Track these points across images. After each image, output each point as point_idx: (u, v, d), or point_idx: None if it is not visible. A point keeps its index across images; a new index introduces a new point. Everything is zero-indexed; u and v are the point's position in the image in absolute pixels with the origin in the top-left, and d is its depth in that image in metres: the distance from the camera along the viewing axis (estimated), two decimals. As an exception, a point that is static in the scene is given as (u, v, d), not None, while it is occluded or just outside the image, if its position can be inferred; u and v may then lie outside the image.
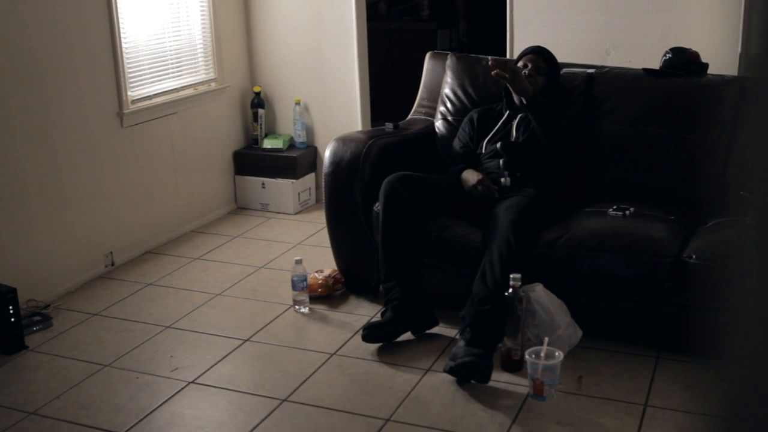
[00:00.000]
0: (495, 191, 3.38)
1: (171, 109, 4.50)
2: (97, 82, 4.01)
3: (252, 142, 5.13)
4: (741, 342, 0.61)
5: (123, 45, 4.14)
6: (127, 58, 4.20)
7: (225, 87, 4.93)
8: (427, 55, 4.27)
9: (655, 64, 3.80)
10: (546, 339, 2.88)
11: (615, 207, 3.35)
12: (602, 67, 3.87)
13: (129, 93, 4.22)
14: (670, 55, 3.76)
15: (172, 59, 4.56)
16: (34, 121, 3.67)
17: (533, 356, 2.83)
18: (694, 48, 3.74)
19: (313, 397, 2.92)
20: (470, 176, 3.45)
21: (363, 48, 4.93)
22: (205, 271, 4.12)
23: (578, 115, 3.66)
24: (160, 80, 4.48)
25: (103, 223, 4.08)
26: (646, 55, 4.04)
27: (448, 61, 4.10)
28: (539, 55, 3.60)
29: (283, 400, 2.90)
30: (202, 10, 4.75)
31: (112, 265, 4.14)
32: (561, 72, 3.80)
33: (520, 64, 3.58)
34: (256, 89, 5.08)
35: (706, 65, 3.70)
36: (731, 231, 0.62)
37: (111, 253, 4.14)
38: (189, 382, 3.05)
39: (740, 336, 0.61)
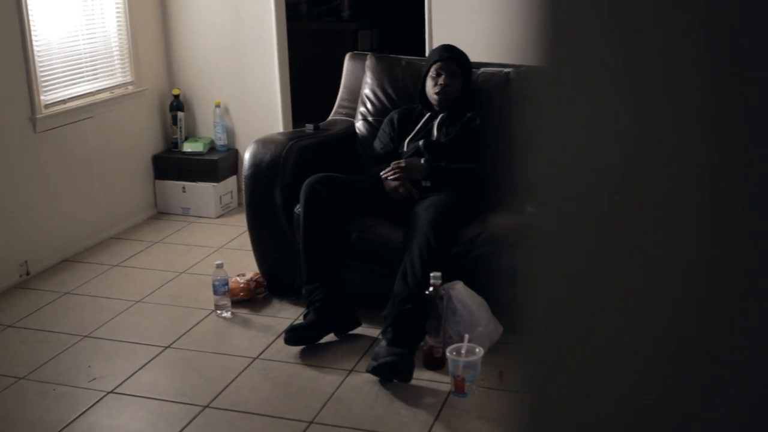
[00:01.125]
0: (416, 194, 3.39)
1: (87, 113, 4.40)
2: (8, 86, 3.90)
3: (172, 146, 5.05)
4: (535, 326, 0.65)
5: (35, 47, 4.02)
6: (39, 61, 4.09)
7: (143, 90, 4.84)
8: (347, 56, 4.27)
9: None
10: (467, 336, 2.91)
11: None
12: (519, 65, 3.91)
13: (42, 97, 4.11)
14: None
15: (86, 62, 4.46)
16: (-60, 127, 3.55)
17: (454, 353, 2.86)
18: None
19: (235, 402, 2.89)
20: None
21: (283, 49, 4.90)
22: (124, 278, 4.04)
23: (497, 115, 3.70)
24: (74, 84, 4.38)
25: (16, 232, 3.97)
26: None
27: (368, 62, 4.11)
28: (449, 60, 3.59)
29: (205, 407, 2.87)
30: (118, 11, 4.65)
31: (27, 274, 4.03)
32: (480, 71, 3.85)
33: (432, 73, 3.59)
34: (175, 92, 5.01)
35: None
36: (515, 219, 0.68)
37: (26, 262, 4.02)
38: (108, 392, 2.99)
39: (535, 321, 0.66)
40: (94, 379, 3.08)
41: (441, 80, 3.54)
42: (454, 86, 3.56)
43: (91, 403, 2.91)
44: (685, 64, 0.54)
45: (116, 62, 4.70)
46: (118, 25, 4.67)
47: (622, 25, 0.56)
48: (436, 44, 4.49)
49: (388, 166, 3.52)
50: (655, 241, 0.57)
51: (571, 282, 0.61)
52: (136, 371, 3.12)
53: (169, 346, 3.31)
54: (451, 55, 3.60)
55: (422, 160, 3.50)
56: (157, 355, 3.25)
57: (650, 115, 0.56)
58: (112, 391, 2.99)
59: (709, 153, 0.54)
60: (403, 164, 3.42)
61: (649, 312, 0.58)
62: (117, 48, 4.69)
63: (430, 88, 3.58)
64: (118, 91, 4.68)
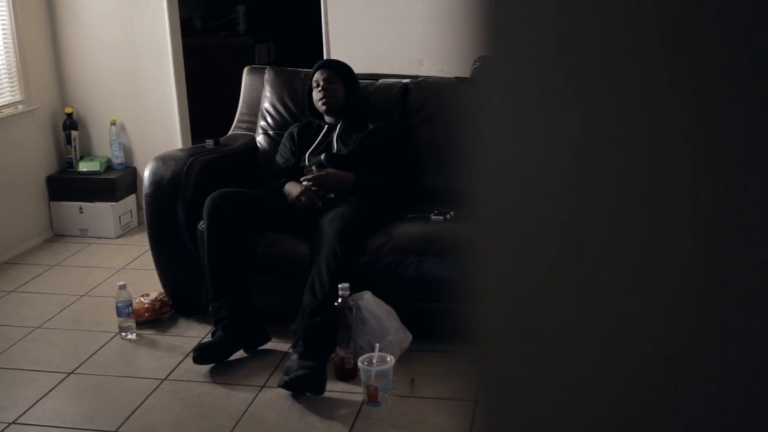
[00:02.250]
0: (317, 201, 3.39)
1: (-26, 134, 4.25)
2: None
3: (66, 166, 4.91)
4: (484, 338, 0.65)
5: None
6: None
7: (33, 109, 4.69)
8: (245, 70, 4.25)
9: (466, 72, 3.95)
10: (377, 345, 2.93)
11: (436, 212, 3.46)
12: (417, 77, 3.99)
13: (-75, 119, 3.94)
14: (479, 63, 3.92)
15: (-28, 82, 4.30)
16: None
17: (365, 363, 2.87)
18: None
19: (145, 425, 2.83)
20: (293, 188, 3.45)
21: (179, 65, 4.84)
22: (21, 304, 3.90)
23: (395, 125, 3.75)
24: (-40, 105, 4.21)
25: None
26: (458, 64, 4.19)
27: (266, 76, 4.10)
28: (326, 68, 3.66)
29: (114, 432, 2.80)
30: (3, 27, 4.50)
31: None
32: (378, 83, 3.89)
33: (313, 83, 3.64)
34: (68, 110, 4.87)
35: (512, 72, 3.89)
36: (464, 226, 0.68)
37: None
38: (9, 423, 2.88)
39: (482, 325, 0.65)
40: (-6, 410, 2.96)
41: (321, 87, 3.60)
42: (335, 89, 3.61)
43: (-8, 436, 2.81)
44: (631, 61, 0.55)
45: (4, 80, 4.55)
46: (5, 42, 4.52)
47: (563, 22, 0.56)
48: (334, 56, 4.53)
49: (291, 179, 3.52)
50: (606, 245, 0.58)
51: (519, 290, 0.62)
52: (39, 400, 3.02)
53: (72, 372, 3.22)
54: (326, 63, 3.72)
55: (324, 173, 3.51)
56: (61, 381, 3.15)
57: (595, 117, 0.56)
58: (13, 422, 2.88)
59: (660, 152, 0.55)
60: (325, 174, 3.40)
61: (601, 320, 0.59)
62: (4, 66, 4.54)
63: (316, 99, 3.65)
64: (6, 111, 4.53)
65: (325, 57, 4.58)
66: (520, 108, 0.60)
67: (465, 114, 0.62)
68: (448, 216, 3.42)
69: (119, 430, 2.81)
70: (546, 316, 0.61)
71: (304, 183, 3.39)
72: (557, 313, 0.60)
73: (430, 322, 3.29)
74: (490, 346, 0.64)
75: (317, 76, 3.64)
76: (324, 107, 3.62)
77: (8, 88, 4.57)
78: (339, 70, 3.66)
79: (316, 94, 3.64)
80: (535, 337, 0.62)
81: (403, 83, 3.91)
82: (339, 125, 3.62)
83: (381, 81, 3.93)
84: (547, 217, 0.59)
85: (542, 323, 0.61)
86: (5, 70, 4.55)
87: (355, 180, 3.43)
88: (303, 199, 3.39)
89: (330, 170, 3.43)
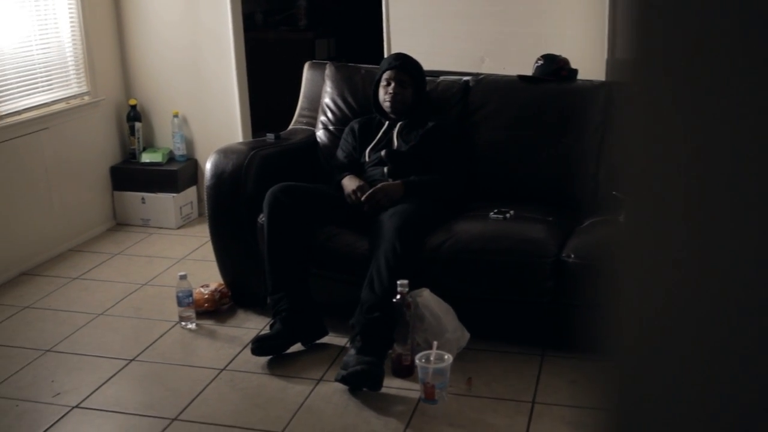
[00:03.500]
0: (366, 205, 3.36)
1: (42, 124, 4.34)
2: (-38, 98, 3.83)
3: (129, 157, 5.00)
4: (621, 338, 0.64)
5: (-12, 58, 3.96)
6: (-7, 72, 4.02)
7: (99, 100, 4.78)
8: (306, 65, 4.27)
9: (528, 70, 3.93)
10: (435, 343, 2.93)
11: (496, 210, 3.43)
12: (478, 74, 3.97)
13: (-4, 108, 4.04)
14: (541, 62, 3.89)
15: (41, 72, 4.40)
16: None
17: (423, 360, 2.87)
18: (564, 55, 3.89)
19: (203, 414, 2.87)
20: (350, 183, 3.46)
21: (241, 59, 4.89)
22: (85, 290, 3.98)
23: (455, 122, 3.74)
24: (28, 95, 4.31)
25: (-28, 246, 3.89)
26: (520, 62, 4.17)
27: (327, 71, 4.11)
28: (400, 68, 3.60)
29: (173, 420, 2.84)
30: (72, 20, 4.59)
31: (-16, 289, 3.95)
32: (438, 80, 3.88)
33: (383, 81, 3.61)
34: (132, 102, 4.96)
35: (575, 71, 3.85)
36: (607, 230, 0.66)
37: (-18, 276, 3.95)
38: (72, 407, 2.94)
39: (621, 331, 0.64)
40: (58, 394, 3.03)
41: (390, 89, 3.57)
42: (405, 94, 3.58)
43: (56, 419, 2.87)
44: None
45: (71, 72, 4.64)
46: (73, 35, 4.61)
47: (708, 26, 0.55)
48: (393, 53, 4.53)
49: (351, 173, 3.52)
50: (749, 251, 0.55)
51: (664, 294, 0.60)
52: (101, 385, 3.08)
53: (133, 359, 3.28)
54: (400, 63, 3.62)
55: (385, 169, 3.51)
56: (122, 368, 3.21)
57: (739, 122, 0.55)
58: (77, 406, 2.95)
59: None
60: (373, 192, 3.36)
61: (748, 328, 0.57)
62: (72, 58, 4.63)
63: (382, 96, 3.61)
64: (73, 102, 4.62)
65: (385, 54, 4.58)
66: (663, 112, 0.58)
67: (610, 118, 0.60)
68: (508, 215, 3.40)
69: (178, 418, 2.85)
70: (685, 325, 0.59)
71: (368, 204, 3.37)
72: (696, 322, 0.58)
73: (489, 321, 3.28)
74: (628, 355, 0.62)
75: (389, 75, 3.59)
76: (390, 108, 3.60)
77: (75, 80, 4.66)
78: (413, 74, 3.61)
79: (384, 93, 3.60)
80: (674, 346, 0.60)
81: (464, 81, 3.89)
82: (400, 122, 3.61)
83: (442, 78, 3.91)
84: (689, 223, 0.57)
85: (681, 332, 0.59)
86: (73, 62, 4.64)
87: (405, 187, 3.41)
88: (353, 197, 3.39)
89: (377, 187, 3.40)
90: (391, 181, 3.48)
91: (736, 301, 0.57)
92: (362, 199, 3.36)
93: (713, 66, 0.55)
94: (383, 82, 3.61)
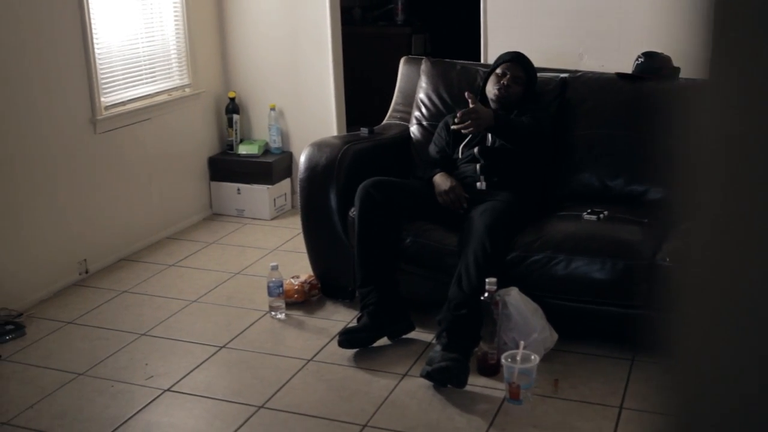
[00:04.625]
0: (462, 204, 3.36)
1: (145, 115, 4.48)
2: (70, 88, 3.98)
3: (227, 148, 5.11)
4: (687, 342, 0.61)
5: (96, 50, 4.11)
6: (101, 64, 4.17)
7: (199, 93, 4.91)
8: (402, 60, 4.27)
9: (628, 68, 3.83)
10: (522, 343, 2.89)
11: (589, 210, 3.37)
12: (576, 71, 3.89)
13: (102, 99, 4.19)
14: (642, 60, 3.79)
15: (145, 65, 4.54)
16: (5, 128, 3.63)
17: (509, 360, 2.84)
18: (666, 52, 3.78)
19: (289, 403, 2.91)
20: (443, 182, 3.44)
21: (338, 53, 4.93)
22: (180, 277, 4.09)
23: (552, 119, 3.68)
24: (133, 86, 4.45)
25: (76, 231, 4.05)
26: (619, 59, 4.07)
27: (423, 66, 4.11)
28: (517, 63, 3.58)
29: (260, 407, 2.89)
30: (176, 16, 4.73)
31: (86, 272, 4.11)
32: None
33: (498, 71, 3.57)
34: (231, 95, 5.06)
35: (678, 69, 3.74)
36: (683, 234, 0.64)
37: (85, 260, 4.10)
38: (164, 390, 3.03)
39: (686, 336, 0.61)
40: (151, 377, 3.12)
41: (505, 80, 3.53)
42: (516, 90, 3.54)
43: (148, 401, 2.96)
44: None
45: (174, 65, 4.77)
46: (176, 30, 4.74)
47: None
48: (491, 49, 4.50)
49: (443, 170, 3.51)
50: None
51: (728, 297, 0.58)
52: (192, 370, 3.16)
53: (224, 346, 3.35)
54: (518, 58, 3.60)
55: (477, 166, 3.49)
56: (213, 354, 3.29)
57: None
58: (168, 389, 3.03)
59: None
60: (471, 110, 3.29)
61: None
62: (175, 51, 4.76)
63: (491, 86, 3.56)
64: (175, 94, 4.75)
65: (482, 50, 4.55)
66: (735, 114, 0.56)
67: (673, 119, 0.59)
68: (601, 216, 3.33)
69: (265, 405, 2.90)
70: (745, 329, 0.57)
71: (458, 115, 3.32)
72: (757, 327, 0.56)
73: (578, 323, 3.22)
74: (688, 359, 0.60)
75: (506, 67, 3.56)
76: (496, 99, 3.55)
77: (177, 72, 4.79)
78: (528, 72, 3.59)
79: (495, 84, 3.55)
80: (734, 351, 0.58)
81: (562, 77, 3.83)
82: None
83: (539, 74, 3.86)
84: (753, 228, 0.55)
85: (742, 337, 0.57)
86: (176, 56, 4.77)
87: (496, 117, 3.34)
88: (447, 197, 3.38)
89: (458, 191, 3.39)
90: (482, 178, 3.46)
91: None
92: (459, 115, 3.30)
93: None
94: (498, 71, 3.57)
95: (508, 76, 3.54)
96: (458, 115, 3.31)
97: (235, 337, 3.43)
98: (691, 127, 0.56)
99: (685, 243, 0.60)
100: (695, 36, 0.56)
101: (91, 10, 4.05)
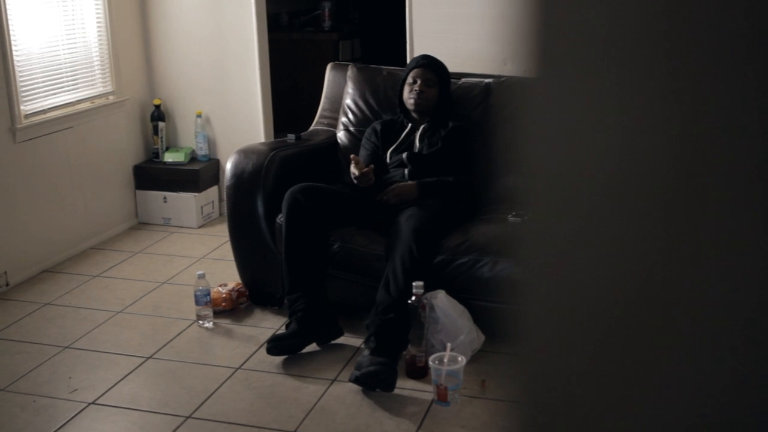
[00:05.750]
0: (370, 177, 3.38)
1: (67, 123, 4.39)
2: (-13, 97, 3.88)
3: (153, 156, 5.04)
4: (530, 333, 0.65)
5: (15, 56, 4.01)
6: (20, 71, 4.07)
7: (124, 100, 4.83)
8: (329, 66, 4.28)
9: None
10: (449, 345, 2.92)
11: (514, 213, 3.41)
12: (500, 76, 3.95)
13: (22, 107, 4.09)
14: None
15: (67, 71, 4.45)
16: None
17: (437, 362, 2.86)
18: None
19: (217, 412, 2.89)
20: (353, 168, 3.44)
21: (264, 59, 4.91)
22: (105, 288, 4.02)
23: (478, 125, 3.73)
24: (54, 94, 4.36)
25: (-4, 242, 3.94)
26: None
27: (349, 72, 4.12)
28: (426, 67, 3.61)
29: (187, 417, 2.86)
30: (99, 21, 4.64)
31: (7, 285, 4.00)
32: (460, 82, 3.87)
33: (409, 79, 3.61)
34: (156, 102, 5.00)
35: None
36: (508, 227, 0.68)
37: (5, 272, 4.00)
38: (89, 404, 2.97)
39: (529, 328, 0.65)
40: (75, 390, 3.06)
41: (417, 86, 3.57)
42: (430, 93, 3.58)
43: (72, 415, 2.89)
44: (676, 66, 0.55)
45: (97, 72, 4.69)
46: (99, 35, 4.66)
47: (614, 29, 0.57)
48: (417, 55, 4.52)
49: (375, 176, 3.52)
50: (650, 242, 0.58)
51: (565, 288, 0.61)
52: (118, 382, 3.11)
53: (150, 357, 3.30)
54: (427, 62, 3.62)
55: (405, 171, 3.51)
56: (139, 365, 3.24)
57: (640, 118, 0.57)
58: (93, 402, 2.97)
59: (702, 153, 0.55)
60: (387, 198, 3.40)
61: (647, 315, 0.59)
62: (98, 58, 4.68)
63: (406, 95, 3.61)
64: (98, 101, 4.67)
65: (408, 56, 4.58)
66: (568, 108, 0.59)
67: (521, 115, 0.62)
68: (526, 217, 3.38)
69: (192, 416, 2.87)
70: (589, 318, 0.60)
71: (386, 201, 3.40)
72: (601, 315, 0.60)
73: (504, 324, 3.26)
74: (536, 349, 0.64)
75: (416, 73, 3.59)
76: (413, 106, 3.60)
77: (100, 79, 4.71)
78: (439, 73, 3.62)
79: (409, 92, 3.60)
80: (580, 341, 0.61)
81: (486, 83, 3.88)
82: (423, 125, 3.61)
83: (463, 80, 3.91)
84: (600, 220, 0.59)
85: (585, 326, 0.61)
86: (98, 62, 4.69)
87: (418, 188, 3.41)
88: (358, 181, 3.40)
89: (392, 187, 3.41)
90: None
91: (634, 299, 0.59)
92: (377, 199, 3.38)
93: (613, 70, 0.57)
94: (409, 80, 3.61)
95: (419, 82, 3.57)
96: (357, 179, 3.39)
97: (162, 347, 3.38)
98: (526, 124, 0.60)
99: (520, 235, 0.64)
100: (525, 36, 0.60)
101: (9, 15, 3.96)
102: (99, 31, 4.66)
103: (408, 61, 4.58)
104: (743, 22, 0.52)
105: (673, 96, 0.55)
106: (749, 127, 0.53)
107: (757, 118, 0.53)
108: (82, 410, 2.92)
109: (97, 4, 4.62)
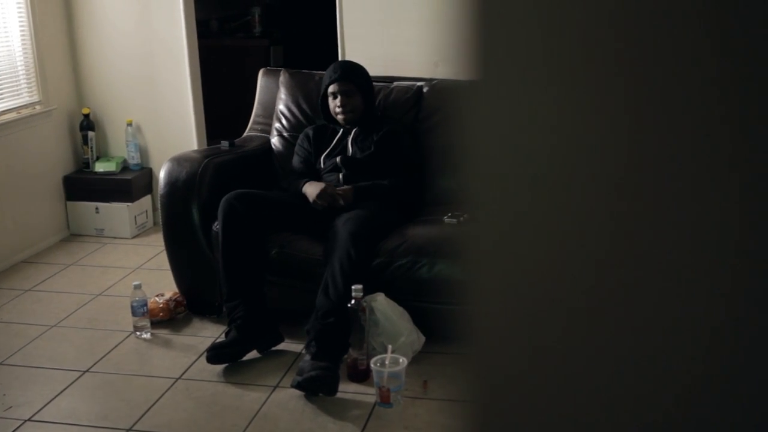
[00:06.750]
0: (338, 201, 3.39)
1: (-8, 134, 4.29)
2: None
3: (83, 166, 4.95)
4: (473, 333, 0.66)
5: (-65, 69, 3.90)
6: (-59, 83, 3.96)
7: (51, 110, 4.73)
8: (261, 72, 4.27)
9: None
10: (390, 347, 2.94)
11: (449, 214, 3.46)
12: (432, 80, 3.99)
13: (-56, 119, 3.98)
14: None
15: (-9, 82, 4.34)
16: None
17: (378, 364, 2.88)
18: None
19: (158, 424, 2.85)
20: (312, 190, 3.44)
21: (195, 66, 4.87)
22: (38, 302, 3.93)
23: (410, 127, 3.76)
24: (-22, 105, 4.25)
25: None
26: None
27: (282, 78, 4.12)
28: (342, 79, 3.57)
29: (128, 430, 2.82)
30: (22, 30, 4.54)
31: (-66, 302, 3.89)
32: (392, 85, 3.90)
33: (329, 95, 3.59)
34: (85, 111, 4.91)
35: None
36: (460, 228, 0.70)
37: (-68, 290, 3.88)
38: (25, 420, 2.90)
39: (473, 328, 0.66)
40: (10, 407, 2.99)
41: (339, 101, 3.56)
42: (354, 102, 3.58)
43: (8, 433, 2.83)
44: (614, 65, 0.56)
45: (22, 81, 4.59)
46: (23, 44, 4.56)
47: (550, 32, 0.58)
48: (349, 59, 4.54)
49: (310, 179, 3.52)
50: (590, 241, 0.59)
51: (507, 288, 0.63)
52: (55, 397, 3.05)
53: (87, 370, 3.25)
54: (340, 74, 3.58)
55: (340, 176, 3.52)
56: (76, 379, 3.18)
57: (579, 119, 0.58)
58: (29, 419, 2.91)
59: (639, 152, 0.56)
60: (324, 203, 3.39)
61: (589, 314, 0.60)
62: (22, 67, 4.58)
63: (333, 109, 3.61)
64: (24, 111, 4.57)
65: (340, 58, 4.59)
66: (510, 111, 0.61)
67: (459, 117, 0.64)
68: (461, 219, 3.41)
69: (133, 428, 2.83)
70: (538, 319, 0.62)
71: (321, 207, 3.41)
72: (549, 316, 0.61)
73: (443, 324, 3.30)
74: (484, 348, 0.65)
75: (335, 89, 3.57)
76: (344, 120, 3.59)
77: (26, 89, 4.61)
78: (357, 82, 3.59)
79: (334, 105, 3.58)
80: (528, 340, 0.63)
81: (418, 86, 3.92)
82: (355, 129, 3.62)
83: (396, 83, 3.94)
84: (538, 219, 0.61)
85: (533, 326, 0.62)
86: (23, 71, 4.59)
87: (354, 192, 3.43)
88: (320, 202, 3.39)
89: (329, 191, 3.41)
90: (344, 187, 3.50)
91: (576, 299, 0.60)
92: (312, 203, 3.38)
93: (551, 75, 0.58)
94: (331, 96, 3.61)
95: (339, 97, 3.56)
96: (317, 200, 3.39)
97: (99, 359, 3.33)
98: (463, 126, 0.61)
99: (457, 236, 0.66)
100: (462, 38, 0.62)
101: (-72, 26, 3.85)
102: (23, 40, 4.56)
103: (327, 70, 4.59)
104: (681, 21, 0.54)
105: (611, 96, 0.57)
106: (688, 126, 0.55)
107: (696, 118, 0.55)
108: (18, 428, 2.86)
109: (20, 12, 4.52)
